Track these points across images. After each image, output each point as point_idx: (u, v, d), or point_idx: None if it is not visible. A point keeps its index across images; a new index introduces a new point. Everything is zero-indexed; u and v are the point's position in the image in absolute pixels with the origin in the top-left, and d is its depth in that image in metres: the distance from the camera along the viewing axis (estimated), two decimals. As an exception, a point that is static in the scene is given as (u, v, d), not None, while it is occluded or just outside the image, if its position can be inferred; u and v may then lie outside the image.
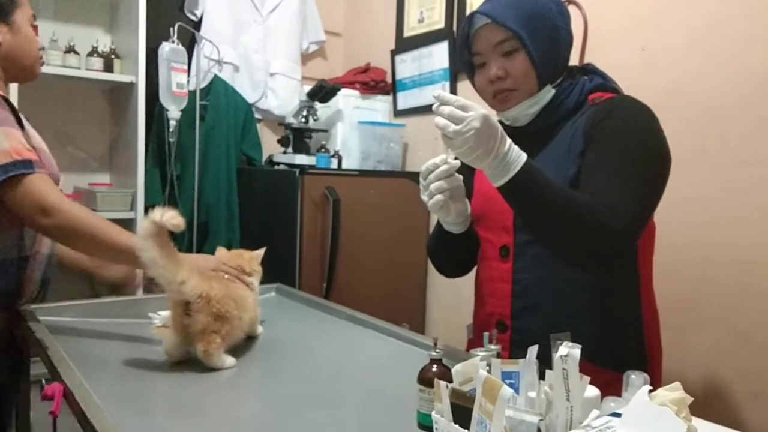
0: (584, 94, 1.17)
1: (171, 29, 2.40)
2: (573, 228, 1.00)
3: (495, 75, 1.14)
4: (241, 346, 1.20)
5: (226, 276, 1.25)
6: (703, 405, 0.84)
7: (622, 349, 1.13)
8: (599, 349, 1.01)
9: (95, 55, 2.40)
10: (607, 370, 0.97)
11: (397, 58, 2.76)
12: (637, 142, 1.08)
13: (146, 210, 2.37)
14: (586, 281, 1.12)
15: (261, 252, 1.38)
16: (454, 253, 1.30)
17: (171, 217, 1.05)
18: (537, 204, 1.00)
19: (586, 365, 0.67)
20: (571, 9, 2.10)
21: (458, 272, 1.36)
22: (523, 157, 0.98)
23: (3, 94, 1.31)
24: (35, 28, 1.43)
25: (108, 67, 2.41)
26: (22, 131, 1.28)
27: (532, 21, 1.11)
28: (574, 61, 2.11)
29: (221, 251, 1.38)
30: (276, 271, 1.44)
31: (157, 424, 0.89)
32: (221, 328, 1.09)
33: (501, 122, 1.19)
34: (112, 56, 2.42)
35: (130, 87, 2.37)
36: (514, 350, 1.14)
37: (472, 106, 0.94)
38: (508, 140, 0.98)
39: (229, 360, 1.11)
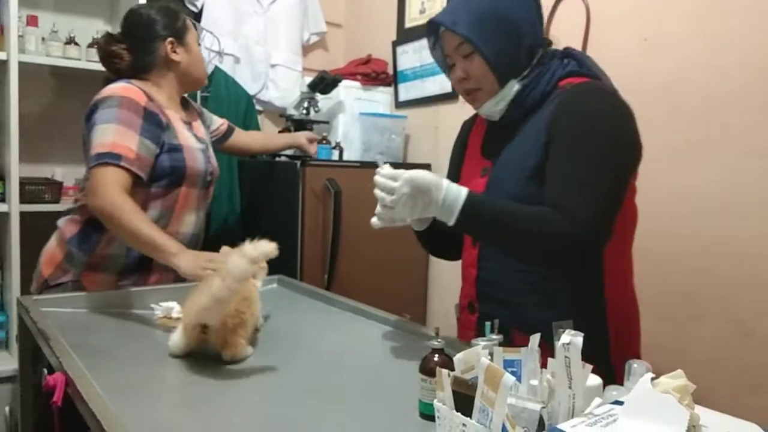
0: (553, 82, 1.16)
1: (171, 20, 2.39)
2: (531, 244, 1.04)
3: (458, 77, 1.19)
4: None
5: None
6: (705, 396, 0.84)
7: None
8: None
9: (96, 46, 2.38)
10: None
11: (399, 49, 2.75)
12: (593, 138, 1.07)
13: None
14: (546, 271, 1.15)
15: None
16: (432, 241, 1.32)
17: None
18: (489, 233, 1.07)
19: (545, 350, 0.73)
20: (574, 1, 2.10)
21: (450, 257, 1.40)
22: (462, 195, 1.02)
23: (151, 107, 1.57)
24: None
25: (108, 59, 2.40)
26: (139, 135, 1.51)
27: (483, 23, 1.13)
28: (575, 48, 2.11)
29: (225, 250, 1.35)
30: (277, 263, 1.43)
31: (160, 414, 0.89)
32: (242, 331, 1.09)
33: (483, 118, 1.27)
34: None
35: (131, 78, 2.36)
36: (481, 332, 1.18)
37: (399, 174, 1.02)
38: (444, 184, 1.02)
39: (249, 349, 1.12)
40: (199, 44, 1.77)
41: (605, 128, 1.07)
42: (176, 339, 1.09)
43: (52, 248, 1.66)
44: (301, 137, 2.30)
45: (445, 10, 1.19)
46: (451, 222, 1.03)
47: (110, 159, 1.44)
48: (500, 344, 0.81)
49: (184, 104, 1.80)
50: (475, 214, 1.03)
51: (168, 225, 1.62)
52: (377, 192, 1.05)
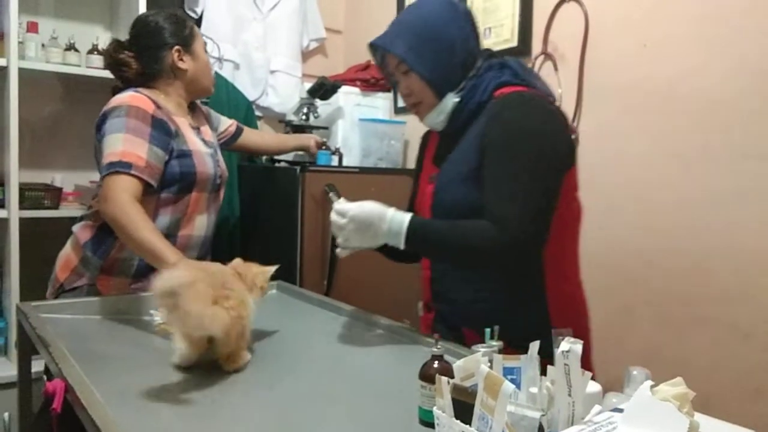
0: (488, 92, 1.22)
1: (171, 26, 2.40)
2: (471, 256, 1.15)
3: (402, 93, 1.31)
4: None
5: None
6: (704, 402, 0.84)
7: (525, 333, 1.09)
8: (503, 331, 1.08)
9: (96, 52, 2.39)
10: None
11: (398, 55, 2.76)
12: (521, 148, 1.13)
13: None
14: (488, 272, 1.24)
15: (272, 269, 1.29)
16: (389, 252, 1.38)
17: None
18: (435, 251, 1.22)
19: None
20: (572, 4, 2.10)
21: (410, 260, 1.47)
22: (405, 222, 1.14)
23: (159, 115, 1.58)
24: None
25: (108, 65, 2.40)
26: (149, 143, 1.53)
27: (417, 44, 1.21)
28: (574, 55, 2.12)
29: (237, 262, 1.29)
30: (277, 269, 1.44)
31: (159, 421, 0.89)
32: (243, 342, 1.09)
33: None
34: (113, 54, 2.42)
35: (131, 84, 2.37)
36: (435, 329, 1.32)
37: (346, 212, 1.16)
38: (388, 215, 1.14)
39: (248, 355, 1.12)
40: (206, 51, 1.79)
41: (532, 138, 1.14)
42: (184, 351, 1.06)
43: (67, 253, 1.68)
44: (310, 140, 2.32)
45: (384, 33, 1.27)
46: (400, 246, 1.15)
47: (121, 167, 1.47)
48: (454, 340, 0.89)
49: (192, 108, 1.82)
50: (419, 237, 1.14)
51: (180, 229, 1.65)
52: (332, 229, 1.18)
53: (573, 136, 1.25)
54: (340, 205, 1.20)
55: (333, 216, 1.18)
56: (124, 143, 1.50)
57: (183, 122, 1.68)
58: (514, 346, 1.04)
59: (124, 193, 1.45)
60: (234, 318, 1.04)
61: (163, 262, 1.37)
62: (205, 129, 1.82)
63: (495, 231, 1.09)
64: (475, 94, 1.22)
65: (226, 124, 2.06)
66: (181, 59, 1.69)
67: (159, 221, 1.59)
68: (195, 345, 1.05)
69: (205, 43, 1.78)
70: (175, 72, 1.69)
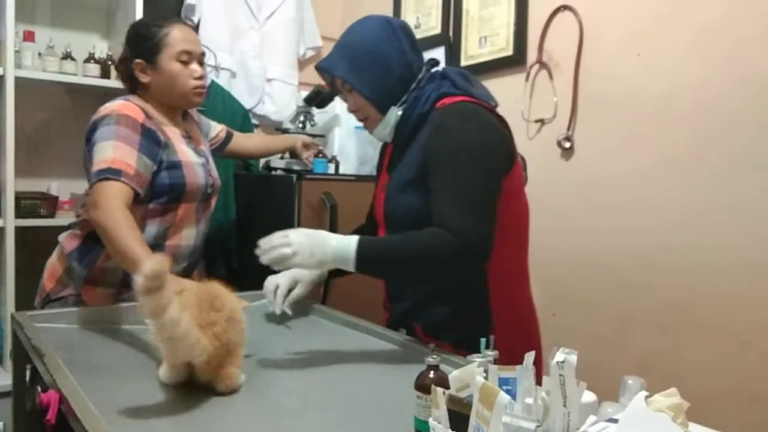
0: (429, 103, 1.29)
1: (168, 35, 2.40)
2: (428, 267, 1.16)
3: (350, 110, 1.39)
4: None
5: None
6: (701, 410, 0.85)
7: (468, 332, 1.12)
8: (449, 330, 1.27)
9: (92, 61, 2.40)
10: (450, 347, 1.21)
11: (394, 63, 2.77)
12: (460, 158, 1.19)
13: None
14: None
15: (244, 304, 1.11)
16: None
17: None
18: (388, 270, 1.23)
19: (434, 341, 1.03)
20: (567, 13, 2.12)
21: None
22: (353, 244, 1.14)
23: (149, 124, 1.56)
24: (192, 57, 1.64)
25: (105, 74, 2.41)
26: (138, 152, 1.50)
27: (356, 64, 1.29)
28: (569, 64, 2.13)
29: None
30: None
31: (152, 429, 0.88)
32: (234, 359, 1.01)
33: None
34: (109, 62, 2.42)
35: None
36: (391, 328, 1.41)
37: (290, 242, 1.13)
38: (333, 241, 1.15)
39: (242, 377, 1.04)
40: (185, 60, 1.63)
41: (470, 148, 1.20)
42: (164, 373, 1.02)
43: (53, 263, 1.67)
44: (298, 140, 2.28)
45: (328, 55, 1.35)
46: (350, 269, 1.16)
47: (111, 174, 1.45)
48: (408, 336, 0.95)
49: (185, 116, 1.79)
50: (369, 258, 1.15)
51: (167, 239, 1.62)
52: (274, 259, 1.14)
53: (508, 140, 1.31)
54: (281, 236, 1.14)
55: (278, 247, 1.12)
56: (115, 151, 1.47)
57: (173, 132, 1.65)
58: (464, 347, 1.12)
59: (114, 199, 1.43)
60: (217, 347, 0.97)
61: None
62: (198, 137, 1.80)
63: (451, 237, 1.12)
64: (416, 106, 1.29)
65: (217, 129, 2.03)
66: (143, 72, 1.63)
67: (146, 231, 1.57)
68: (175, 367, 1.01)
69: (187, 53, 1.63)
70: (141, 85, 1.65)
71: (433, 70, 1.37)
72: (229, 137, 2.06)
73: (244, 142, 2.13)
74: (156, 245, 1.57)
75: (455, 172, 1.18)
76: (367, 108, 1.34)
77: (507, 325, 1.28)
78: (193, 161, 1.66)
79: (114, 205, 1.42)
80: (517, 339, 1.26)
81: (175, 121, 1.70)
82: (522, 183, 1.36)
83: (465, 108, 1.25)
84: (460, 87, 1.29)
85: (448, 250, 1.12)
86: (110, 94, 2.48)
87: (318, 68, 1.38)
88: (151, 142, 1.55)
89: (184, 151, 1.64)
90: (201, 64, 1.67)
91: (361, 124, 1.41)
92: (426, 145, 1.25)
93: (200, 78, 1.65)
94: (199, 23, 2.71)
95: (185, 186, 1.61)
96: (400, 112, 1.32)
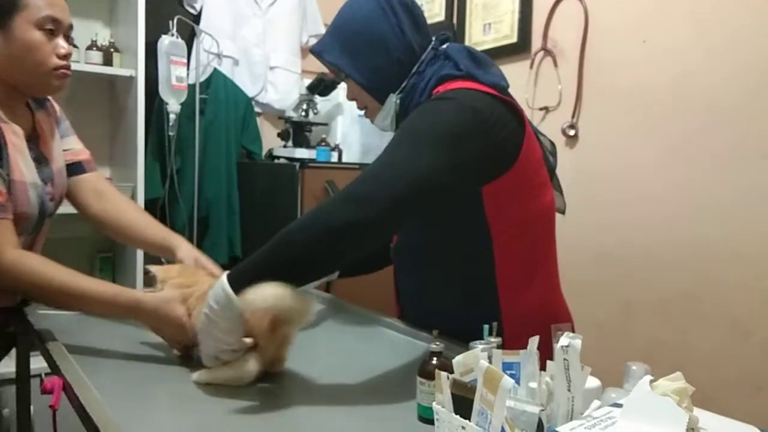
0: (428, 91, 1.12)
1: (170, 22, 2.40)
2: (313, 249, 0.95)
3: (348, 98, 1.22)
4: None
5: None
6: (706, 398, 0.84)
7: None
8: (462, 329, 1.00)
9: (94, 48, 2.39)
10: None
11: (398, 51, 2.75)
12: (408, 134, 1.02)
13: (146, 204, 2.39)
14: (441, 277, 1.18)
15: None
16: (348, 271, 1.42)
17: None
18: (272, 275, 0.91)
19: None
20: (572, 2, 2.10)
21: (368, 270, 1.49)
22: (222, 285, 0.92)
23: None
24: (60, 27, 1.20)
25: (107, 61, 2.40)
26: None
27: (350, 48, 1.14)
28: (574, 52, 2.11)
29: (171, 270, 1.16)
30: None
31: (157, 418, 0.89)
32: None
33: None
34: (112, 50, 2.42)
35: (130, 81, 2.36)
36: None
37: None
38: (206, 303, 0.94)
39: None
40: (50, 29, 1.18)
41: (428, 125, 1.02)
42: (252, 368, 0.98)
43: None
44: (182, 250, 1.37)
45: (321, 38, 1.19)
46: (235, 296, 0.92)
47: None
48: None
49: (40, 105, 1.33)
50: (242, 279, 0.91)
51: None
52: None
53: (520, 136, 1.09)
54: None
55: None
56: None
57: (13, 133, 1.20)
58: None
59: (6, 249, 1.08)
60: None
61: (118, 306, 1.10)
62: (48, 138, 1.32)
63: (328, 206, 0.97)
64: (414, 95, 1.14)
65: (73, 145, 1.42)
66: None
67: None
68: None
69: (53, 20, 1.18)
70: None
71: (443, 47, 1.17)
72: (77, 169, 1.41)
73: (91, 194, 1.41)
74: None
75: (396, 143, 1.01)
76: (364, 97, 1.19)
77: (520, 336, 1.13)
78: (27, 180, 1.20)
79: (9, 258, 1.09)
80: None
81: (16, 113, 1.23)
82: (539, 176, 1.16)
83: (452, 92, 1.06)
84: (464, 69, 1.10)
85: (325, 222, 0.94)
86: (113, 81, 2.50)
87: (312, 52, 1.22)
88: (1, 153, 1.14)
89: (17, 165, 1.18)
90: (67, 39, 1.23)
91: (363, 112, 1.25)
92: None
93: (66, 57, 1.21)
94: (201, 10, 2.70)
95: (19, 216, 1.17)
96: (398, 101, 1.16)
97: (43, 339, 1.12)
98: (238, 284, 0.91)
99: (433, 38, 1.18)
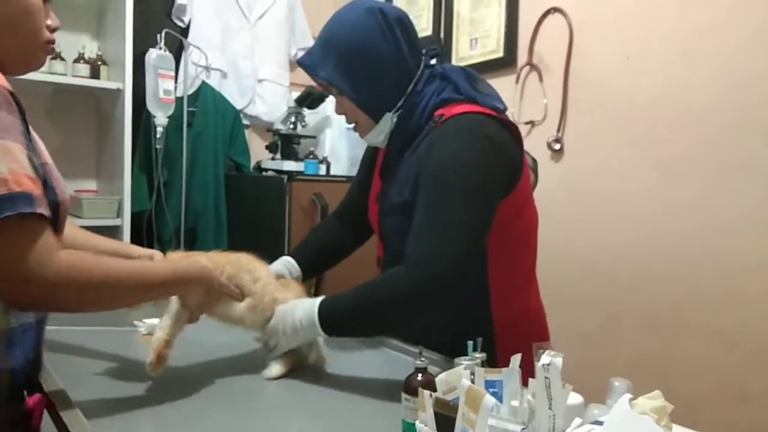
0: (428, 112, 1.13)
1: (158, 35, 2.40)
2: (398, 311, 1.03)
3: (337, 112, 1.20)
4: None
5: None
6: (691, 410, 0.85)
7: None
8: (451, 342, 1.04)
9: (82, 61, 2.39)
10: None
11: (385, 64, 2.77)
12: (443, 178, 1.05)
13: (133, 217, 2.38)
14: None
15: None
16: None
17: None
18: (360, 328, 1.10)
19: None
20: (557, 17, 2.13)
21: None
22: (314, 310, 1.03)
23: (8, 86, 0.88)
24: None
25: (95, 74, 2.40)
26: (28, 142, 0.89)
27: (345, 65, 1.10)
28: (559, 66, 2.14)
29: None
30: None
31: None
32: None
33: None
34: (99, 63, 2.41)
35: (117, 93, 2.36)
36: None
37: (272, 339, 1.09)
38: (298, 313, 1.05)
39: None
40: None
41: (458, 165, 1.04)
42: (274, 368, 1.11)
43: None
44: (138, 251, 1.30)
45: (310, 50, 1.15)
46: (319, 335, 1.06)
47: (22, 205, 0.79)
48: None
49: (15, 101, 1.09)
50: (334, 321, 1.04)
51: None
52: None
53: (517, 152, 1.13)
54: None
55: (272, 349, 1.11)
56: (4, 156, 0.80)
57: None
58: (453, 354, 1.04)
59: (51, 251, 0.82)
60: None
61: (162, 282, 0.98)
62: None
63: (406, 273, 1.00)
64: (413, 115, 1.13)
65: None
66: None
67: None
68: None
69: None
70: None
71: (433, 62, 1.17)
72: None
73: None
74: (32, 322, 0.93)
75: (436, 194, 1.04)
76: (357, 114, 1.17)
77: (511, 338, 1.15)
78: (51, 162, 0.98)
79: (56, 262, 0.82)
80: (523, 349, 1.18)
81: None
82: (530, 193, 1.21)
83: (464, 122, 1.08)
84: (464, 92, 1.12)
85: (407, 287, 1.00)
86: (100, 94, 2.49)
87: (300, 64, 1.17)
88: (26, 128, 0.90)
89: (38, 144, 0.97)
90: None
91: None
92: (420, 163, 1.10)
93: (54, 31, 1.06)
94: (189, 23, 2.71)
95: (59, 205, 0.92)
96: (395, 119, 1.15)
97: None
98: (326, 317, 1.03)
99: (424, 52, 1.18)
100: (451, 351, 1.06)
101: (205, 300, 1.08)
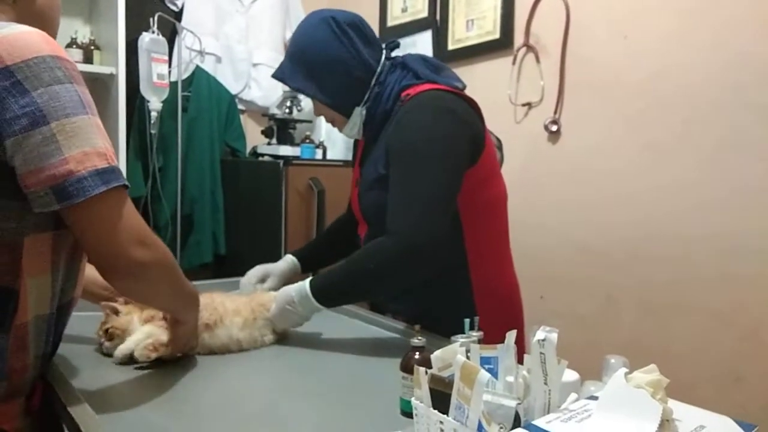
0: (392, 98, 1.25)
1: (151, 19, 2.38)
2: (386, 279, 1.14)
3: (315, 114, 1.35)
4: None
5: None
6: (686, 389, 0.86)
7: (451, 320, 1.07)
8: (431, 318, 1.18)
9: (74, 46, 2.36)
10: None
11: (381, 47, 2.75)
12: (412, 151, 1.15)
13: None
14: None
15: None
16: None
17: None
18: (352, 296, 1.23)
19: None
20: (553, -3, 2.11)
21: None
22: (305, 285, 1.16)
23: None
24: None
25: (87, 59, 2.38)
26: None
27: (311, 73, 1.24)
28: (556, 47, 2.12)
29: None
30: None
31: (140, 416, 0.88)
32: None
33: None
34: (92, 47, 2.39)
35: (111, 78, 2.34)
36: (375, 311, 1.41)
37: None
38: (292, 291, 1.17)
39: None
40: None
41: (425, 137, 1.16)
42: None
43: None
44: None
45: (281, 64, 1.29)
46: (321, 308, 1.17)
47: (122, 179, 0.83)
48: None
49: None
50: (328, 295, 1.16)
51: (76, 287, 0.97)
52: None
53: (479, 127, 1.23)
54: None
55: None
56: (99, 133, 0.83)
57: None
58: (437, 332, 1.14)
59: (144, 225, 0.87)
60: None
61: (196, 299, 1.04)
62: None
63: (390, 242, 1.10)
64: (379, 103, 1.26)
65: None
66: None
67: (56, 276, 0.88)
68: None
69: None
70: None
71: (393, 54, 1.31)
72: None
73: None
74: (65, 302, 0.93)
75: (407, 166, 1.15)
76: (329, 113, 1.31)
77: (489, 309, 1.26)
78: None
79: (156, 239, 0.88)
80: (501, 322, 1.24)
81: None
82: (496, 165, 1.31)
83: (426, 97, 1.20)
84: (423, 76, 1.25)
85: (391, 256, 1.10)
86: (94, 79, 2.47)
87: (274, 78, 1.32)
88: None
89: None
90: None
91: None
92: (389, 138, 1.21)
93: None
94: (183, 7, 2.68)
95: None
96: (364, 111, 1.28)
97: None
98: (317, 291, 1.15)
99: (384, 46, 1.31)
100: (437, 320, 1.16)
101: (194, 330, 1.09)
